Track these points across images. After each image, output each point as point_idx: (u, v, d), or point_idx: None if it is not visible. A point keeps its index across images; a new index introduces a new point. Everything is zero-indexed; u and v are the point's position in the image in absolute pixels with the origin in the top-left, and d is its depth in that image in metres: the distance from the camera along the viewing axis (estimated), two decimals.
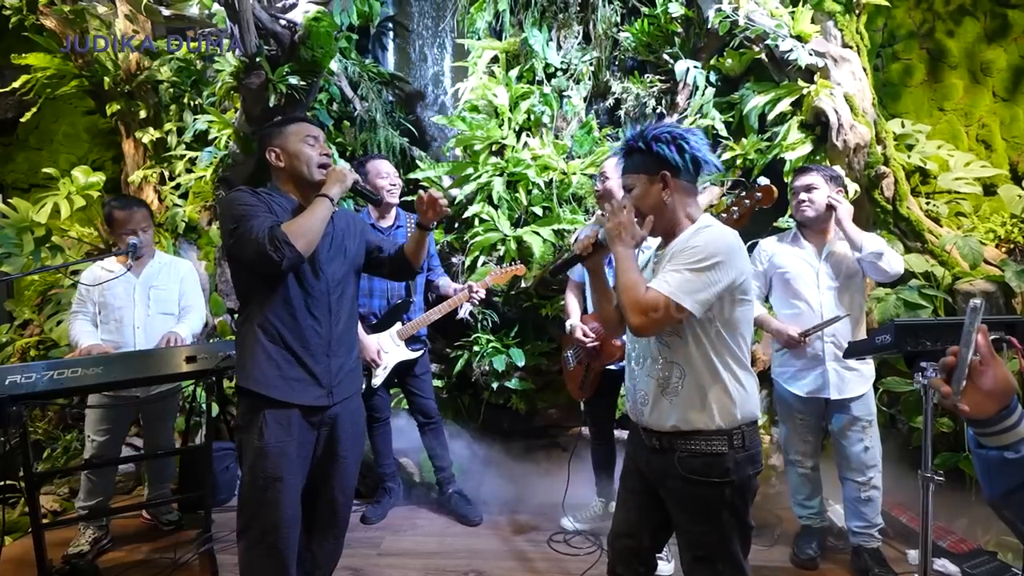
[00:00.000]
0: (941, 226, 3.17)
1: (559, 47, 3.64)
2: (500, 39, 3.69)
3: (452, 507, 2.87)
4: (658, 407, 1.47)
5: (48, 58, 3.59)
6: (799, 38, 3.09)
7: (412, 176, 3.52)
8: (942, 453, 2.65)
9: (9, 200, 3.49)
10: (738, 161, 3.33)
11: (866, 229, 3.05)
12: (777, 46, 3.09)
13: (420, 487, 3.16)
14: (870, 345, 1.68)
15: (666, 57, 3.49)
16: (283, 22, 3.05)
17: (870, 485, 2.31)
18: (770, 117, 3.21)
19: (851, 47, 3.17)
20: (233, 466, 3.04)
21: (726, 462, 1.41)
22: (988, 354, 0.86)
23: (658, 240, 1.57)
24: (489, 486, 3.08)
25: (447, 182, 3.55)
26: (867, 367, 2.34)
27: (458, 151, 3.58)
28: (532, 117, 3.49)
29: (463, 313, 3.10)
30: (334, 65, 3.45)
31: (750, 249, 2.96)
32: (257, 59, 2.98)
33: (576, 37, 3.64)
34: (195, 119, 3.65)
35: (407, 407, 2.97)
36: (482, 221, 3.31)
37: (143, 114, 3.69)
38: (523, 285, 3.25)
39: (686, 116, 3.43)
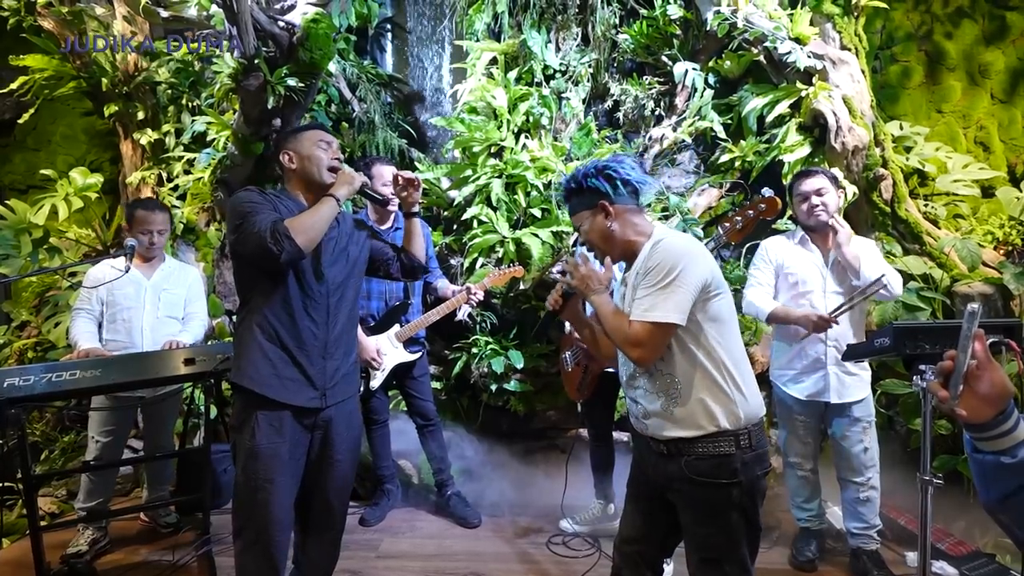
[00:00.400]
0: (939, 228, 3.18)
1: (558, 49, 3.64)
2: (499, 41, 3.69)
3: (451, 509, 2.87)
4: (661, 420, 1.48)
5: (46, 59, 3.59)
6: (798, 40, 3.10)
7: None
8: (941, 455, 2.65)
9: (7, 201, 3.49)
10: (736, 163, 3.34)
11: (864, 231, 3.07)
12: (776, 48, 3.10)
13: (419, 489, 3.15)
14: (868, 348, 1.69)
15: (665, 59, 3.50)
16: (281, 24, 3.05)
17: (868, 485, 2.31)
18: (768, 119, 3.22)
19: (849, 49, 3.17)
20: (231, 468, 3.03)
21: (734, 463, 1.41)
22: (985, 359, 0.86)
23: (622, 270, 1.64)
24: (488, 488, 3.08)
25: (446, 183, 3.55)
26: (867, 372, 2.34)
27: (457, 153, 3.58)
28: (531, 119, 3.49)
29: (462, 315, 3.10)
30: (332, 66, 3.45)
31: (751, 251, 2.97)
32: (255, 61, 2.98)
33: (575, 39, 3.64)
34: (193, 120, 3.65)
35: (406, 409, 2.96)
36: (481, 223, 3.31)
37: (141, 115, 3.69)
38: (522, 287, 3.25)
39: (684, 118, 3.44)
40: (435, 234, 3.43)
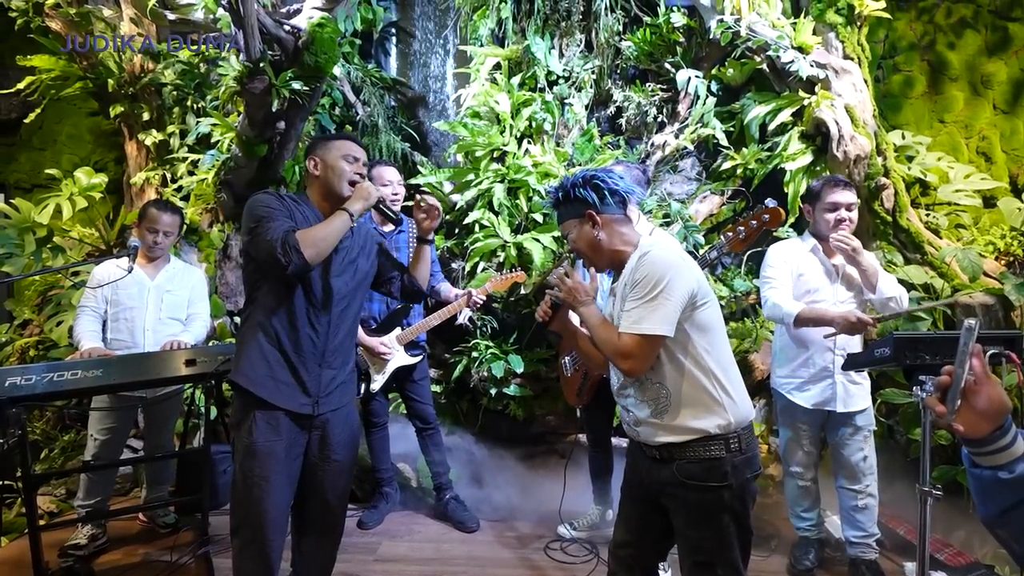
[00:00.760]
0: (941, 238, 3.18)
1: (561, 55, 3.66)
2: (503, 46, 3.71)
3: (449, 513, 2.87)
4: (651, 427, 1.51)
5: (53, 60, 3.61)
6: (800, 49, 3.11)
7: (413, 181, 3.53)
8: (940, 466, 2.65)
9: (11, 200, 3.50)
10: (738, 170, 3.35)
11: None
12: (779, 57, 3.11)
13: (417, 492, 3.15)
14: (869, 357, 1.68)
15: (668, 66, 3.51)
16: (287, 28, 3.07)
17: (866, 493, 2.31)
18: (771, 127, 3.23)
19: (852, 59, 3.18)
20: (231, 469, 3.04)
21: (724, 466, 1.44)
22: (983, 374, 0.87)
23: (610, 280, 1.67)
24: (487, 492, 3.07)
25: (448, 188, 3.56)
26: (867, 381, 2.34)
27: (459, 157, 3.59)
28: (534, 124, 3.50)
29: (462, 319, 3.10)
30: (337, 70, 3.47)
31: (752, 258, 2.98)
32: (261, 64, 3.00)
33: (578, 45, 3.66)
34: (198, 122, 3.66)
35: (405, 412, 2.97)
36: (483, 227, 3.32)
37: (146, 116, 3.70)
38: (523, 292, 3.26)
39: (687, 125, 3.45)
40: (437, 238, 3.44)
